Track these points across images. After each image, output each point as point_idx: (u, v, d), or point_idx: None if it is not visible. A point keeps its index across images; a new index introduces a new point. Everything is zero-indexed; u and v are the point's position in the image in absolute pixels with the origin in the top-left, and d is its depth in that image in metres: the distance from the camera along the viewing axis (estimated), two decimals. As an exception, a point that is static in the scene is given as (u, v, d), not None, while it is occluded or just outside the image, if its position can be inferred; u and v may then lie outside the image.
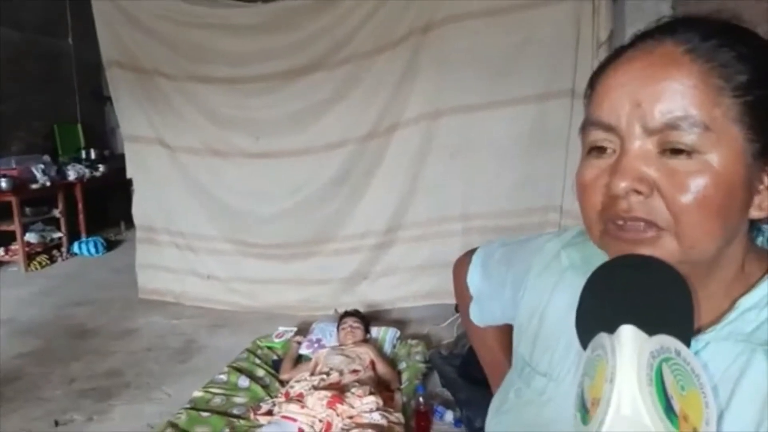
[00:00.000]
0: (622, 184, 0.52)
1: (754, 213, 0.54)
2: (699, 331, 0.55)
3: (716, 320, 0.56)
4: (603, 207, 0.55)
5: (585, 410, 0.49)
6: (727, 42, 0.52)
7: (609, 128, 0.54)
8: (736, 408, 0.51)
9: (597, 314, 0.53)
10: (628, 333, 0.48)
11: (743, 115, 0.51)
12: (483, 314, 0.91)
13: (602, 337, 0.50)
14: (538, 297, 0.72)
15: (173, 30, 3.99)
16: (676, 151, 0.51)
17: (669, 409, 0.45)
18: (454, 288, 0.98)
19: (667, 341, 0.48)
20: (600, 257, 0.58)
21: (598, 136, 0.55)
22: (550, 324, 0.69)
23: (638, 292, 0.52)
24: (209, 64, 4.01)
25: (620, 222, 0.53)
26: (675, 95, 0.51)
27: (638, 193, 0.52)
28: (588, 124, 0.57)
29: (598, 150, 0.56)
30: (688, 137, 0.50)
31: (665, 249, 0.52)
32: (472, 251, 0.93)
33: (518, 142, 3.68)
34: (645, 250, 0.53)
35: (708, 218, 0.51)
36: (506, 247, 0.85)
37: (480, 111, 3.68)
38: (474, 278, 0.89)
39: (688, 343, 0.50)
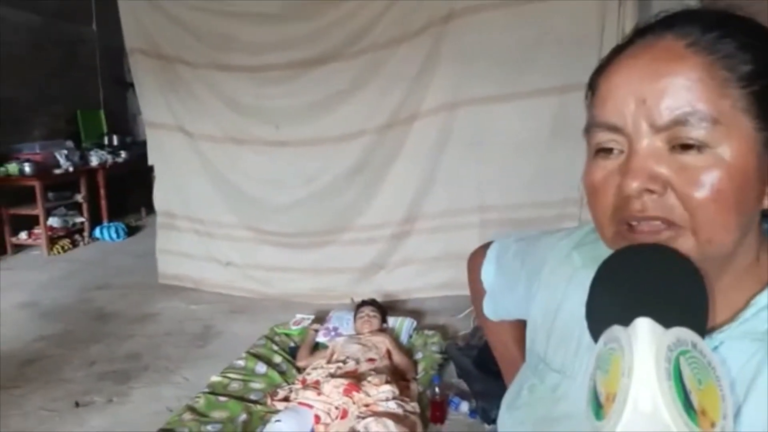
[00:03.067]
0: (635, 184, 0.51)
1: (767, 203, 0.53)
2: (713, 329, 0.55)
3: (731, 318, 0.55)
4: (615, 209, 0.54)
5: (599, 404, 0.48)
6: (728, 32, 0.51)
7: (615, 128, 0.53)
8: (752, 408, 0.51)
9: (608, 306, 0.53)
10: (644, 326, 0.47)
11: (751, 105, 0.50)
12: (497, 309, 0.91)
13: (616, 329, 0.49)
14: (551, 294, 0.72)
15: (196, 17, 4.01)
16: (686, 147, 0.50)
17: (687, 404, 0.44)
18: (468, 281, 0.98)
19: (684, 333, 0.47)
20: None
21: (604, 137, 0.55)
22: (564, 321, 0.69)
23: (650, 283, 0.51)
24: (230, 52, 4.02)
25: (634, 223, 0.53)
26: (680, 90, 0.50)
27: (651, 192, 0.51)
28: (593, 126, 0.56)
29: (605, 151, 0.55)
30: (697, 132, 0.49)
31: (683, 247, 0.51)
32: (486, 245, 0.92)
33: (537, 135, 3.65)
34: None
35: (724, 212, 0.50)
36: (520, 242, 0.85)
37: (499, 102, 3.65)
38: (488, 273, 0.89)
39: (702, 335, 0.49)
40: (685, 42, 0.51)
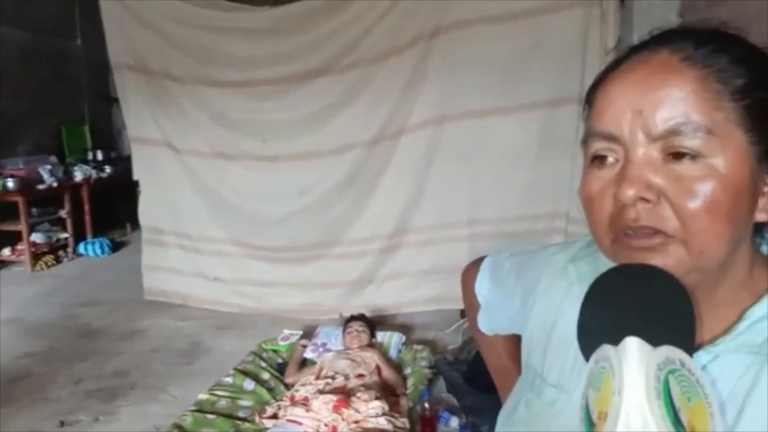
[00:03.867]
0: (630, 192, 0.52)
1: (759, 216, 0.54)
2: (708, 342, 0.55)
3: (725, 332, 0.55)
4: (612, 217, 0.55)
5: (591, 423, 0.49)
6: (721, 47, 0.53)
7: (612, 138, 0.55)
8: (748, 421, 0.51)
9: (598, 325, 0.53)
10: (633, 345, 0.48)
11: (744, 118, 0.51)
12: (491, 323, 0.91)
13: (606, 349, 0.50)
14: (547, 309, 0.72)
15: (183, 32, 4.00)
16: (681, 156, 0.51)
17: (677, 422, 0.45)
18: (462, 296, 0.98)
19: (672, 352, 0.48)
20: (608, 265, 0.59)
21: (601, 146, 0.56)
22: (560, 336, 0.69)
23: (639, 302, 0.52)
24: (218, 67, 4.02)
25: (629, 231, 0.53)
26: (675, 101, 0.51)
27: (646, 201, 0.52)
28: (590, 136, 0.57)
29: (601, 160, 0.56)
30: (691, 141, 0.51)
31: (674, 256, 0.52)
32: (480, 260, 0.93)
33: (525, 148, 3.68)
34: (655, 258, 0.53)
35: (716, 223, 0.51)
36: (515, 257, 0.86)
37: (487, 117, 3.68)
38: (482, 287, 0.90)
39: (690, 353, 0.50)
40: (679, 56, 0.53)
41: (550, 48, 3.50)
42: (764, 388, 0.52)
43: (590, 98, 0.59)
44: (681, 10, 3.36)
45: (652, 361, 0.47)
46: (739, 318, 0.55)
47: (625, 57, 0.57)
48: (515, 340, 0.94)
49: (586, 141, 0.58)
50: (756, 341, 0.54)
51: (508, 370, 0.93)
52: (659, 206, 0.52)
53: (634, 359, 0.47)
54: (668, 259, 0.52)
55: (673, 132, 0.51)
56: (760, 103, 0.52)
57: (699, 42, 0.53)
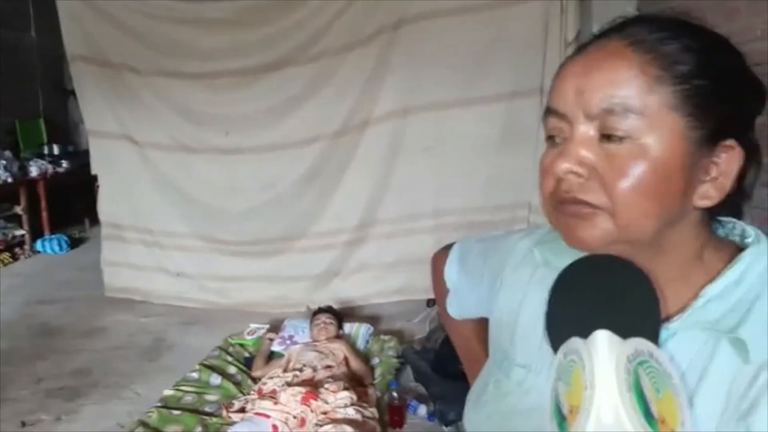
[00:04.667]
0: (563, 166, 0.55)
1: (699, 201, 0.56)
2: (666, 320, 0.57)
3: (682, 309, 0.57)
4: (553, 189, 0.58)
5: (562, 417, 0.50)
6: (673, 35, 0.55)
7: (560, 115, 0.58)
8: (704, 396, 0.53)
9: (565, 317, 0.55)
10: (603, 338, 0.49)
11: (682, 103, 0.53)
12: (460, 307, 0.93)
13: (575, 342, 0.51)
14: (514, 292, 0.74)
15: (142, 23, 3.91)
16: (613, 136, 0.54)
17: (648, 414, 0.46)
18: (432, 282, 1.00)
19: (641, 344, 0.50)
20: (570, 253, 0.61)
21: (553, 123, 0.59)
22: (527, 317, 0.71)
23: (604, 293, 0.54)
24: (179, 58, 3.94)
25: (563, 202, 0.57)
26: (613, 83, 0.54)
27: (578, 175, 0.55)
28: (545, 113, 0.60)
29: (553, 137, 0.60)
30: (623, 122, 0.53)
31: (601, 227, 0.55)
32: (448, 246, 0.94)
33: (488, 140, 3.73)
34: (584, 226, 0.56)
35: (642, 200, 0.53)
36: (483, 243, 0.88)
37: (451, 108, 3.71)
38: (451, 272, 0.91)
39: (656, 340, 0.51)
40: (628, 41, 0.55)
41: (511, 40, 3.54)
42: (719, 364, 0.54)
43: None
44: (639, 2, 3.44)
45: (622, 354, 0.48)
46: (695, 296, 0.57)
47: (588, 43, 0.59)
48: (483, 325, 0.95)
49: (543, 117, 0.61)
50: (711, 318, 0.55)
51: (477, 353, 0.94)
52: (590, 181, 0.55)
53: (604, 352, 0.48)
54: (595, 229, 0.55)
55: (608, 112, 0.53)
56: (702, 89, 0.53)
57: (652, 29, 0.55)
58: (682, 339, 0.56)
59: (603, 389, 0.46)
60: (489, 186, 3.80)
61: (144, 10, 3.89)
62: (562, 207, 0.57)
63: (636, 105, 0.53)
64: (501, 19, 3.51)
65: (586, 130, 0.55)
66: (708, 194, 0.56)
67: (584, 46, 0.59)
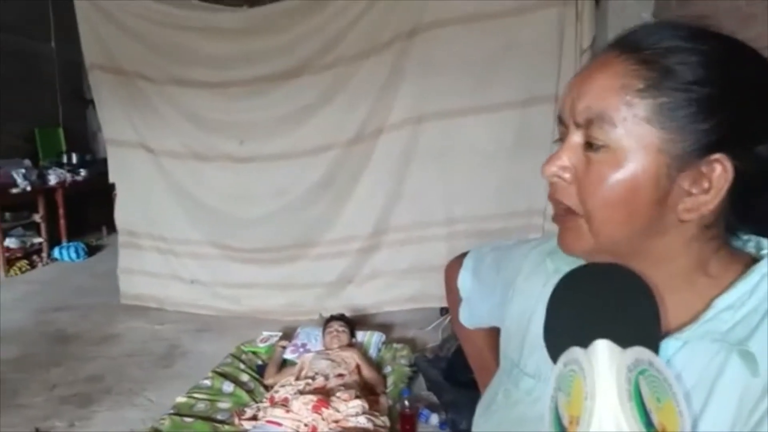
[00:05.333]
0: (550, 169, 0.58)
1: (685, 215, 0.55)
2: (676, 330, 0.56)
3: (692, 320, 0.56)
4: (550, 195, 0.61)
5: (562, 427, 0.50)
6: (673, 48, 0.53)
7: (561, 122, 0.60)
8: (715, 407, 0.52)
9: (564, 326, 0.55)
10: (603, 348, 0.49)
11: (660, 116, 0.52)
12: (472, 316, 0.92)
13: (575, 351, 0.51)
14: (525, 301, 0.74)
15: (156, 32, 3.95)
16: (592, 145, 0.56)
17: (649, 423, 0.45)
18: (445, 291, 0.99)
19: (641, 353, 0.49)
20: (580, 263, 0.60)
21: (560, 130, 0.61)
22: (538, 327, 0.69)
23: (603, 301, 0.54)
24: (193, 67, 3.98)
25: (556, 210, 0.60)
26: (597, 94, 0.55)
27: (562, 179, 0.58)
28: (557, 120, 0.63)
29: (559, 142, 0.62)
30: (599, 132, 0.55)
31: (581, 233, 0.57)
32: (462, 255, 0.94)
33: (502, 147, 3.71)
34: (569, 235, 0.59)
35: (609, 208, 0.55)
36: (496, 251, 0.87)
37: (464, 116, 3.70)
38: (465, 281, 0.91)
39: (657, 348, 0.51)
40: (618, 52, 0.56)
41: (525, 48, 3.52)
42: (729, 376, 0.53)
43: None
44: (655, 9, 3.41)
45: (622, 364, 0.48)
46: (707, 307, 0.56)
47: (599, 54, 0.60)
48: (495, 334, 0.95)
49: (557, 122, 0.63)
50: (721, 329, 0.54)
51: (489, 363, 0.94)
52: (571, 186, 0.57)
53: (605, 362, 0.48)
54: (577, 236, 0.58)
55: (589, 122, 0.55)
56: (685, 104, 0.52)
57: (649, 40, 0.55)
58: (692, 350, 0.55)
59: (604, 399, 0.46)
60: (503, 193, 3.77)
61: (158, 19, 3.92)
62: (556, 213, 0.61)
63: (613, 116, 0.54)
64: (515, 27, 3.50)
65: (575, 137, 0.58)
66: (696, 208, 0.54)
67: (593, 60, 0.61)
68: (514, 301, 0.76)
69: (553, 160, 0.58)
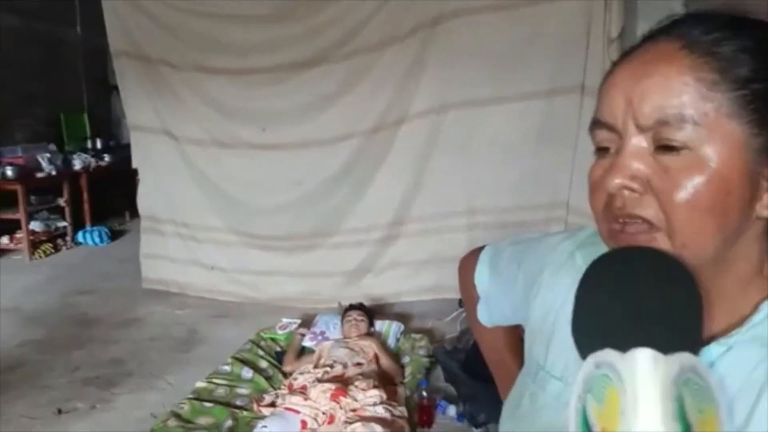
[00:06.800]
0: (615, 181, 0.51)
1: (764, 211, 0.51)
2: (720, 335, 0.53)
3: (738, 324, 0.53)
4: (605, 206, 0.54)
5: None
6: (728, 35, 0.50)
7: (609, 127, 0.54)
8: (762, 414, 0.50)
9: (596, 319, 0.50)
10: (647, 359, 0.44)
11: (741, 109, 0.49)
12: (491, 314, 0.88)
13: (611, 354, 0.46)
14: (552, 298, 0.70)
15: (179, 19, 3.96)
16: (668, 148, 0.50)
17: None
18: (459, 287, 0.95)
19: (685, 359, 0.45)
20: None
21: (602, 136, 0.55)
22: (566, 327, 0.66)
23: (640, 290, 0.49)
24: (216, 54, 3.98)
25: (621, 221, 0.53)
26: (666, 92, 0.50)
27: (632, 190, 0.51)
28: (592, 125, 0.57)
29: (603, 150, 0.56)
30: (678, 134, 0.49)
31: (662, 247, 0.51)
32: (477, 250, 0.90)
33: (525, 138, 3.66)
34: None
35: (700, 216, 0.49)
36: (516, 245, 0.83)
37: (487, 106, 3.66)
38: (482, 277, 0.87)
39: (697, 350, 0.47)
40: (680, 44, 0.51)
41: (551, 37, 3.47)
42: None
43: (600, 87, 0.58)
44: (685, -1, 3.33)
45: (667, 379, 0.43)
46: (754, 310, 0.53)
47: (636, 46, 0.55)
48: (514, 332, 0.92)
49: (590, 129, 0.57)
50: None
51: (507, 362, 0.91)
52: (645, 196, 0.51)
53: (647, 377, 0.44)
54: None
55: (661, 123, 0.50)
56: (763, 93, 0.49)
57: (706, 29, 0.51)
58: (738, 354, 0.52)
59: (646, 421, 0.42)
60: (525, 185, 3.73)
61: (182, 6, 3.94)
62: (620, 228, 0.53)
63: (692, 114, 0.49)
64: (541, 16, 3.45)
65: (638, 141, 0.51)
66: None
67: (632, 50, 0.55)
68: (538, 298, 0.72)
69: (617, 170, 0.51)
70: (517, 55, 3.54)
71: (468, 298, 0.93)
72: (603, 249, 0.57)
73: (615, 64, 0.56)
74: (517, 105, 3.60)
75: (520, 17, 3.47)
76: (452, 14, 3.58)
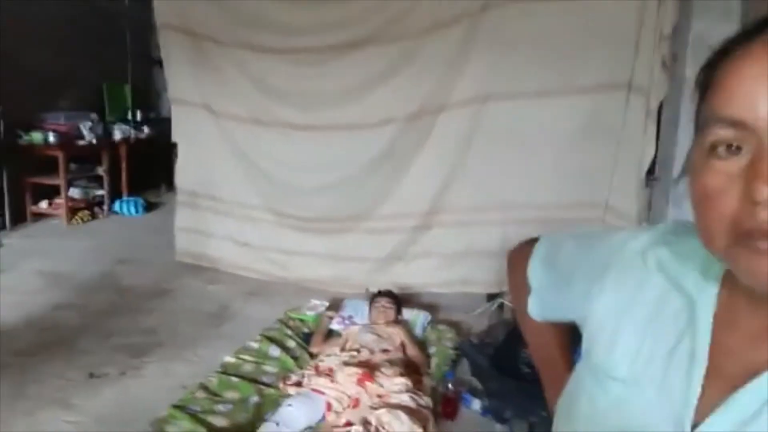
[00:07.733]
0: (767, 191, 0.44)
1: None
2: None
3: None
4: (735, 217, 0.46)
5: None
6: None
7: (743, 126, 0.46)
8: None
9: None
10: None
11: None
12: (543, 308, 0.85)
13: None
14: (617, 298, 0.66)
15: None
16: None
17: None
18: (508, 278, 0.92)
19: None
20: (695, 260, 0.53)
21: (726, 134, 0.47)
22: (632, 327, 0.63)
23: None
24: (261, 32, 3.97)
25: (763, 240, 0.45)
26: None
27: None
28: (712, 121, 0.48)
29: (725, 150, 0.47)
30: None
31: None
32: (530, 241, 0.86)
33: (568, 134, 3.57)
34: None
35: None
36: (577, 240, 0.79)
37: (532, 99, 3.57)
38: (535, 270, 0.83)
39: None
40: None
41: (601, 30, 3.36)
42: None
43: (710, 74, 0.50)
44: (743, -4, 3.21)
45: None
46: None
47: (756, 30, 0.47)
48: (566, 330, 0.89)
49: (704, 125, 0.49)
50: None
51: (556, 359, 0.88)
52: None
53: None
54: None
55: None
56: None
57: None
58: None
59: None
60: (565, 183, 3.65)
61: None
62: (756, 240, 0.45)
63: None
64: (592, 7, 3.33)
65: None
66: None
67: (753, 34, 0.47)
68: (602, 298, 0.68)
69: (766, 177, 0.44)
70: (566, 46, 3.43)
71: (517, 290, 0.89)
72: (678, 250, 0.54)
73: (734, 51, 0.48)
74: (563, 100, 3.51)
75: (571, 7, 3.35)
76: (500, 2, 3.50)
